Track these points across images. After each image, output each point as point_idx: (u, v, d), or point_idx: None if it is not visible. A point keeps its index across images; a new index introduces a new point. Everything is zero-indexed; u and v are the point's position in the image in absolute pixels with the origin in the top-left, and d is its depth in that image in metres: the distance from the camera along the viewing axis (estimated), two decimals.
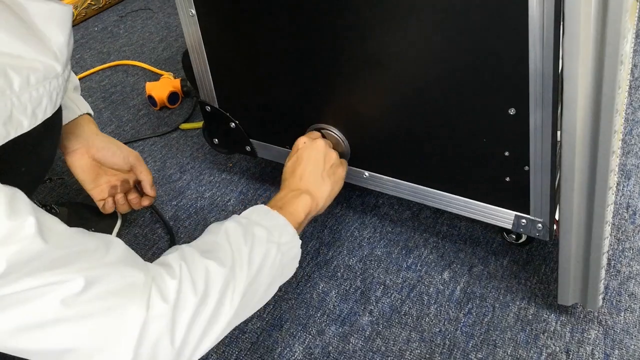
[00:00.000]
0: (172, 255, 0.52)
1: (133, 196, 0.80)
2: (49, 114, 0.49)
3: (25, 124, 0.46)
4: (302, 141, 0.74)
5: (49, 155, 0.62)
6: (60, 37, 0.51)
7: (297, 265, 0.62)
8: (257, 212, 0.62)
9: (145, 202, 0.82)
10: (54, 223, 0.45)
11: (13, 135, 0.45)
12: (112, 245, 0.48)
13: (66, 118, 0.73)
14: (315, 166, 0.70)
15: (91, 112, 0.77)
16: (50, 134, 0.59)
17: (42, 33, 0.49)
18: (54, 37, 0.50)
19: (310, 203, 0.66)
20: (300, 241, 0.62)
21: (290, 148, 0.83)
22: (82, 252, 0.44)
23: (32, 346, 0.42)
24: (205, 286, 0.50)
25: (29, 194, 0.61)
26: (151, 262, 0.53)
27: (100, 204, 0.79)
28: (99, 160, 0.76)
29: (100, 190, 0.78)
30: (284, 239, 0.60)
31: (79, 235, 0.47)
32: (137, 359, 0.45)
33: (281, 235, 0.60)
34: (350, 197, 0.92)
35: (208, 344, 0.50)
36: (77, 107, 0.75)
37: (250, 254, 0.55)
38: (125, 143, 1.06)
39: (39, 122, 0.48)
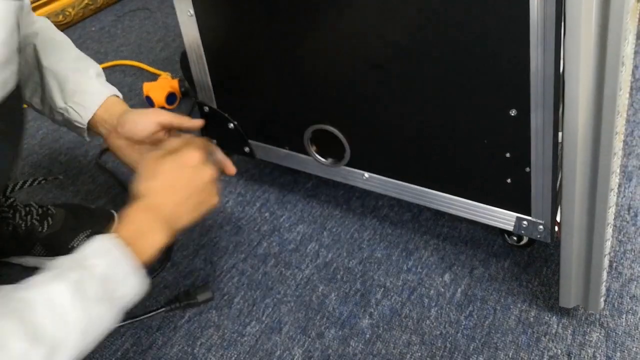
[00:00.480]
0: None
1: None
2: None
3: None
4: (193, 159, 0.62)
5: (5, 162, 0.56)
6: (2, 34, 0.47)
7: (136, 299, 0.54)
8: (101, 257, 0.51)
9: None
10: None
11: None
12: None
13: (93, 104, 0.72)
14: (192, 196, 0.61)
15: (118, 93, 0.75)
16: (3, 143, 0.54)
17: None
18: None
19: (164, 242, 0.57)
20: (146, 281, 0.54)
21: (290, 149, 0.83)
22: None
23: None
24: None
25: None
26: None
27: None
28: (128, 136, 0.72)
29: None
30: (124, 290, 0.52)
31: None
32: None
33: (122, 284, 0.52)
34: (349, 198, 0.91)
35: None
36: (100, 92, 0.73)
37: (77, 321, 0.47)
38: None
39: None
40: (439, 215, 0.86)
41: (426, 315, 0.73)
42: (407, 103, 0.68)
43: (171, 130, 0.76)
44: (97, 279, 0.50)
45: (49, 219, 0.83)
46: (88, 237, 0.85)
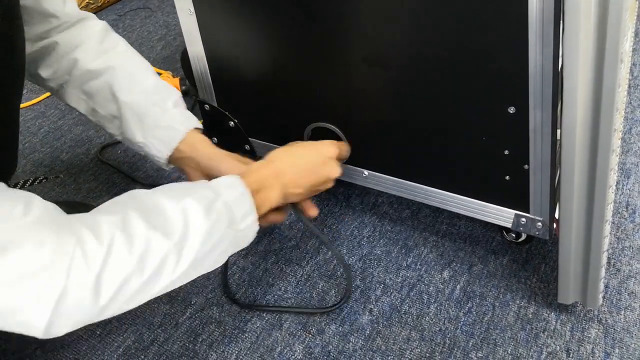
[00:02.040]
0: (110, 219, 0.48)
1: None
2: None
3: None
4: (329, 153, 0.69)
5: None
6: None
7: (248, 244, 0.60)
8: (231, 190, 0.58)
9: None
10: None
11: None
12: (32, 205, 0.45)
13: (173, 141, 0.71)
14: (313, 182, 0.67)
15: (198, 124, 0.74)
16: None
17: None
18: None
19: (278, 201, 0.63)
20: (258, 227, 0.60)
21: None
22: None
23: None
24: (142, 257, 0.48)
25: None
26: None
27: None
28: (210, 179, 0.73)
29: None
30: (243, 225, 0.57)
31: None
32: (55, 320, 0.44)
33: (242, 221, 0.57)
34: (349, 196, 0.92)
35: (135, 305, 0.50)
36: (179, 127, 0.72)
37: (206, 235, 0.53)
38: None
39: None
40: (438, 212, 0.86)
41: (425, 312, 0.73)
42: (406, 101, 0.69)
43: None
44: (224, 204, 0.55)
45: None
46: None
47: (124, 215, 0.49)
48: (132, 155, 1.06)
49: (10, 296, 0.42)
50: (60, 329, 0.45)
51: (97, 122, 0.76)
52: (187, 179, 0.75)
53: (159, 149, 0.72)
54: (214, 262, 0.56)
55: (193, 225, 0.52)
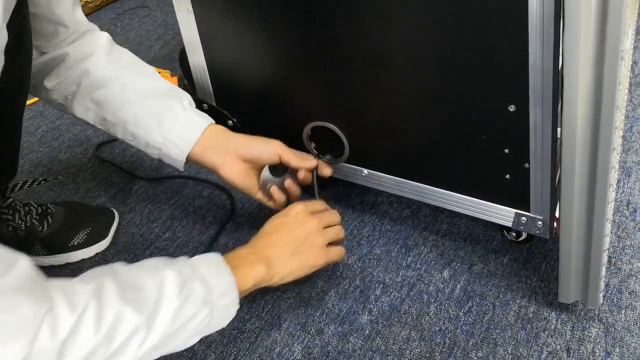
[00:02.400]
0: (86, 288, 0.48)
1: (288, 183, 0.77)
2: None
3: None
4: (295, 210, 0.69)
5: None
6: None
7: (226, 324, 0.58)
8: (208, 264, 0.57)
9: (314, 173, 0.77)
10: None
11: None
12: (12, 268, 0.44)
13: (194, 135, 0.72)
14: (292, 241, 0.66)
15: (212, 120, 0.76)
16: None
17: None
18: None
19: (263, 275, 0.62)
20: (238, 307, 0.58)
21: (288, 146, 0.83)
22: None
23: None
24: (111, 329, 0.47)
25: None
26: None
27: (270, 204, 0.78)
28: (250, 160, 0.74)
29: (262, 194, 0.77)
30: (222, 303, 0.56)
31: None
32: None
33: (220, 298, 0.56)
34: (349, 195, 0.91)
35: None
36: (198, 123, 0.73)
37: (178, 310, 0.52)
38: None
39: None
40: (437, 211, 0.86)
41: (425, 311, 0.73)
42: (406, 99, 0.68)
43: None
44: (201, 280, 0.54)
45: (49, 218, 0.83)
46: (88, 235, 0.85)
47: (99, 284, 0.49)
48: (130, 155, 1.05)
49: None
50: None
51: (107, 130, 0.76)
52: (212, 173, 0.76)
53: (180, 146, 0.73)
54: (185, 340, 0.54)
55: (166, 299, 0.51)
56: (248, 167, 0.75)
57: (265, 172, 0.79)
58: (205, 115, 0.76)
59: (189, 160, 0.75)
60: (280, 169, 0.78)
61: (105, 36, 0.76)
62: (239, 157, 0.74)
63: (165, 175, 1.00)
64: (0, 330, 0.42)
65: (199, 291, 0.54)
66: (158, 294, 0.51)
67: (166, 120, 0.72)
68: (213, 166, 0.74)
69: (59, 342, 0.44)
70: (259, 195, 0.77)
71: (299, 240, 0.66)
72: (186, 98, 0.75)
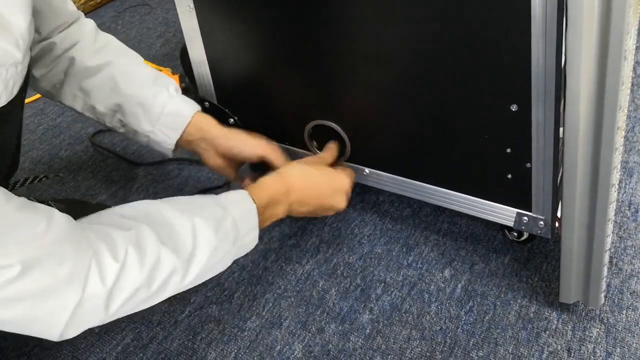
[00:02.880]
0: (124, 235, 0.51)
1: None
2: (3, 103, 0.48)
3: None
4: (344, 187, 0.72)
5: (6, 145, 0.61)
6: (23, 23, 0.48)
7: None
8: (240, 206, 0.61)
9: None
10: None
11: None
12: (53, 221, 0.48)
13: (180, 125, 0.74)
14: (318, 207, 0.70)
15: (199, 107, 0.76)
16: (5, 124, 0.57)
17: (3, 18, 0.46)
18: (15, 22, 0.47)
19: (280, 217, 0.67)
20: (257, 242, 0.63)
21: (291, 145, 0.83)
22: (21, 234, 0.45)
23: None
24: (151, 272, 0.51)
25: None
26: None
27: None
28: (230, 156, 0.76)
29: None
30: (246, 240, 0.61)
31: (19, 215, 0.46)
32: (69, 327, 0.48)
33: (246, 235, 0.61)
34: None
35: (139, 310, 0.53)
36: (185, 111, 0.74)
37: (213, 253, 0.56)
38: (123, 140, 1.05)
39: None
40: (439, 211, 0.86)
41: (426, 311, 0.73)
42: (407, 98, 0.68)
43: None
44: (232, 222, 0.59)
45: None
46: None
47: (137, 230, 0.52)
48: (129, 143, 1.05)
49: (32, 308, 0.46)
50: (71, 333, 0.49)
51: (96, 118, 0.76)
52: (202, 161, 0.78)
53: (168, 134, 0.74)
54: (214, 273, 0.60)
55: (201, 243, 0.55)
56: (228, 161, 0.77)
57: (246, 166, 0.81)
58: (191, 101, 0.76)
59: (177, 147, 0.76)
60: (261, 167, 0.77)
61: (90, 24, 0.76)
62: (218, 153, 0.76)
63: (165, 175, 1.00)
64: (55, 281, 0.46)
65: (230, 233, 0.58)
66: (194, 237, 0.55)
67: (153, 109, 0.73)
68: (197, 153, 0.77)
69: (108, 287, 0.48)
70: (235, 181, 0.79)
71: (322, 210, 0.71)
72: (172, 84, 0.76)
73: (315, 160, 0.74)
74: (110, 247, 0.50)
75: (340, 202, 0.71)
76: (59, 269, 0.46)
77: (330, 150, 0.76)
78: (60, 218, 0.48)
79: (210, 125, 0.76)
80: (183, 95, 0.76)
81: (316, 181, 0.70)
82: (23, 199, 0.48)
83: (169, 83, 0.76)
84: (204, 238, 0.55)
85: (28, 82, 0.69)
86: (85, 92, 0.74)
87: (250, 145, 0.76)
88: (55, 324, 0.47)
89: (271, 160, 0.75)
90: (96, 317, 0.50)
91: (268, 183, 0.66)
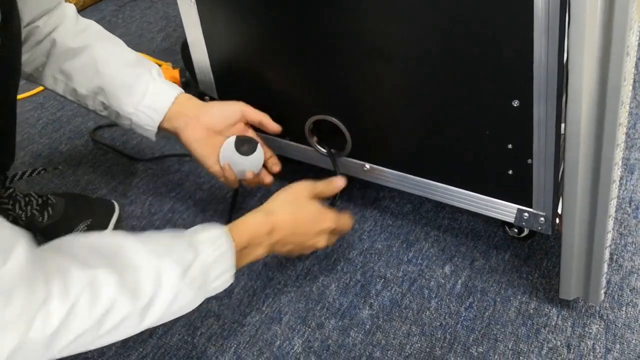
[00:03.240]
0: (81, 276, 0.48)
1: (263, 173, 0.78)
2: None
3: None
4: (329, 227, 0.68)
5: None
6: None
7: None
8: (213, 249, 0.56)
9: (271, 174, 0.77)
10: None
11: None
12: (12, 256, 0.44)
13: (164, 106, 0.72)
14: (301, 248, 0.67)
15: (181, 90, 0.76)
16: None
17: None
18: None
19: (260, 258, 0.63)
20: (231, 282, 0.59)
21: (291, 140, 0.83)
22: None
23: None
24: (102, 317, 0.48)
25: None
26: None
27: (222, 181, 0.76)
28: (211, 125, 0.74)
29: (220, 167, 0.75)
30: (216, 284, 0.57)
31: None
32: None
33: (217, 279, 0.57)
34: (350, 190, 0.91)
35: (91, 349, 0.50)
36: (168, 92, 0.74)
37: (174, 300, 0.53)
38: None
39: None
40: (439, 206, 0.86)
41: (426, 307, 0.73)
42: (409, 94, 0.68)
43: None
44: (201, 267, 0.55)
45: (49, 208, 0.83)
46: (88, 226, 0.85)
47: (98, 271, 0.49)
48: (134, 142, 1.05)
49: None
50: None
51: (78, 101, 0.76)
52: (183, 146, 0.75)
53: (151, 116, 0.73)
54: (179, 315, 0.56)
55: (163, 291, 0.52)
56: (210, 134, 0.74)
57: (229, 146, 0.75)
58: (175, 85, 0.76)
59: (160, 130, 0.75)
60: (247, 148, 0.75)
61: (71, 8, 0.76)
62: (200, 122, 0.73)
63: (165, 170, 1.00)
64: (2, 317, 0.42)
65: (197, 279, 0.54)
66: (156, 284, 0.51)
67: (136, 90, 0.72)
68: (176, 131, 0.74)
69: (48, 334, 0.45)
70: (215, 168, 0.74)
71: (303, 247, 0.68)
72: (154, 68, 0.76)
73: (309, 190, 0.68)
74: (63, 286, 0.46)
75: (321, 242, 0.68)
76: (4, 310, 0.43)
77: (333, 184, 0.71)
78: (20, 252, 0.44)
79: (195, 101, 0.75)
80: (166, 80, 0.76)
81: (303, 222, 0.66)
82: None
83: (152, 66, 0.75)
84: (167, 285, 0.52)
85: (19, 69, 0.69)
86: (67, 74, 0.73)
87: (232, 105, 0.75)
88: None
89: (258, 121, 0.75)
90: (37, 357, 0.46)
91: (251, 222, 0.62)
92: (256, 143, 0.76)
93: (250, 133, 0.77)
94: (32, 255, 0.46)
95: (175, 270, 0.53)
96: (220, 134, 0.75)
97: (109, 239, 0.53)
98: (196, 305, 0.57)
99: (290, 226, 0.65)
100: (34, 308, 0.44)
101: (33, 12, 0.71)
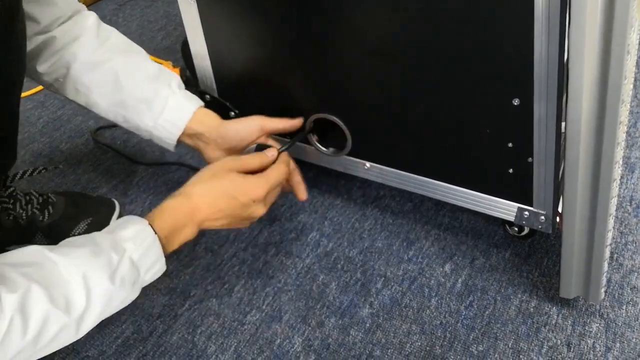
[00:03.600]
0: (12, 299, 0.47)
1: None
2: None
3: None
4: (256, 196, 0.64)
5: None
6: None
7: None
8: (137, 244, 0.56)
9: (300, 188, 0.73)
10: None
11: None
12: None
13: (182, 121, 0.73)
14: (232, 218, 0.64)
15: (201, 103, 0.76)
16: None
17: None
18: None
19: (190, 238, 0.62)
20: (165, 269, 0.59)
21: (290, 139, 0.83)
22: None
23: None
24: (37, 334, 0.48)
25: None
26: None
27: None
28: (229, 147, 0.74)
29: None
30: (148, 276, 0.58)
31: None
32: None
33: (147, 273, 0.57)
34: (351, 188, 0.91)
35: None
36: (187, 107, 0.74)
37: (108, 302, 0.53)
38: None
39: None
40: (440, 205, 0.86)
41: (426, 305, 0.73)
42: (409, 92, 0.68)
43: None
44: (129, 264, 0.55)
45: (50, 207, 0.83)
46: (89, 225, 0.85)
47: (25, 291, 0.49)
48: (132, 143, 1.05)
49: None
50: None
51: (99, 113, 0.76)
52: (202, 157, 0.77)
53: (170, 130, 0.74)
54: (115, 311, 0.56)
55: (94, 297, 0.52)
56: (230, 154, 0.74)
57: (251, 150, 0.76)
58: (194, 97, 0.76)
59: (179, 142, 0.76)
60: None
61: (92, 17, 0.75)
62: (219, 145, 0.74)
63: (166, 169, 1.00)
64: None
65: (128, 276, 0.55)
66: (87, 293, 0.51)
67: (156, 105, 0.73)
68: (197, 148, 0.76)
69: None
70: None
71: (238, 219, 0.65)
72: (175, 80, 0.76)
73: (230, 165, 0.66)
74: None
75: (256, 211, 0.65)
76: None
77: (260, 157, 0.68)
78: None
79: (211, 119, 0.75)
80: (186, 91, 0.76)
81: (224, 196, 0.63)
82: None
83: (172, 78, 0.76)
84: (98, 291, 0.52)
85: (23, 70, 0.69)
86: (88, 87, 0.74)
87: (247, 121, 0.74)
88: None
89: (274, 127, 0.74)
90: None
91: (171, 206, 0.62)
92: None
93: (271, 142, 0.76)
94: None
95: (103, 277, 0.52)
96: (241, 151, 0.76)
97: (31, 256, 0.52)
98: (133, 299, 0.57)
99: (211, 203, 0.63)
100: None
101: (48, 17, 0.71)
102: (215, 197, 0.63)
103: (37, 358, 0.51)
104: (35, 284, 0.49)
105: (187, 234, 0.62)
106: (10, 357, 0.47)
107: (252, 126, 0.74)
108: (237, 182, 0.65)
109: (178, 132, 0.74)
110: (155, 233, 0.58)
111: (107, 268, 0.53)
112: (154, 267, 0.58)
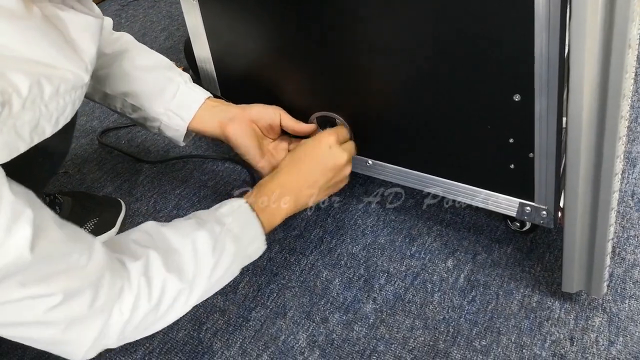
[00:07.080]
0: (136, 266, 0.53)
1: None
2: (68, 120, 0.50)
3: (48, 131, 0.47)
4: (328, 142, 0.70)
5: (63, 152, 0.64)
6: (93, 49, 0.52)
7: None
8: (236, 217, 0.61)
9: None
10: (49, 230, 0.45)
11: (36, 141, 0.46)
12: (94, 252, 0.50)
13: (195, 106, 0.73)
14: (322, 177, 0.69)
15: (211, 95, 0.77)
16: (65, 135, 0.60)
17: (76, 44, 0.50)
18: (86, 49, 0.51)
19: (291, 211, 0.66)
20: (266, 246, 0.64)
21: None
22: (66, 265, 0.47)
23: (8, 334, 0.47)
24: (159, 298, 0.54)
25: (42, 187, 0.64)
26: None
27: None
28: (255, 119, 0.75)
29: (266, 161, 0.76)
30: (250, 250, 0.62)
31: (67, 245, 0.48)
32: (89, 352, 0.52)
33: (249, 246, 0.62)
34: (353, 185, 0.91)
35: (151, 332, 0.56)
36: (199, 91, 0.75)
37: (214, 269, 0.58)
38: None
39: (59, 128, 0.49)
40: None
41: (429, 301, 0.73)
42: (410, 89, 0.68)
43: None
44: (230, 235, 0.59)
45: (57, 207, 0.84)
46: (95, 225, 0.86)
47: (146, 258, 0.55)
48: (136, 144, 1.06)
49: (64, 332, 0.49)
50: (90, 355, 0.53)
51: (107, 105, 0.76)
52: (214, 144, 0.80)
53: (182, 116, 0.74)
54: (221, 285, 0.61)
55: (202, 265, 0.57)
56: (253, 128, 0.75)
57: None
58: (205, 90, 0.77)
59: (190, 130, 0.75)
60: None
61: (108, 20, 0.77)
62: (244, 115, 0.74)
63: (170, 167, 1.00)
64: (88, 310, 0.49)
65: (230, 247, 0.59)
66: (195, 260, 0.56)
67: (167, 91, 0.73)
68: (218, 127, 0.74)
69: (125, 317, 0.52)
70: (261, 164, 0.75)
71: (329, 176, 0.69)
72: (185, 75, 0.76)
73: (300, 143, 0.72)
74: (127, 278, 0.53)
75: (338, 157, 0.69)
76: (95, 299, 0.49)
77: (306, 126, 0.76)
78: (99, 248, 0.51)
79: (227, 102, 0.76)
80: (195, 84, 0.77)
81: (303, 157, 0.69)
82: (70, 227, 0.50)
83: (183, 72, 0.77)
84: (205, 259, 0.57)
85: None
86: (98, 80, 0.74)
87: (271, 107, 0.75)
88: (80, 346, 0.51)
89: (287, 124, 0.76)
90: (111, 342, 0.53)
91: (262, 183, 0.67)
92: None
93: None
94: (107, 252, 0.52)
95: (208, 242, 0.57)
96: (261, 131, 0.76)
97: (148, 229, 0.59)
98: (236, 273, 0.61)
99: (296, 169, 0.68)
100: (114, 298, 0.51)
101: None
102: (297, 161, 0.69)
103: (157, 327, 0.56)
104: (153, 250, 0.55)
105: (284, 207, 0.66)
106: (139, 320, 0.53)
107: (274, 111, 0.75)
108: (308, 142, 0.71)
109: (189, 117, 0.73)
110: (253, 210, 0.62)
111: (210, 239, 0.58)
112: (255, 240, 0.62)
